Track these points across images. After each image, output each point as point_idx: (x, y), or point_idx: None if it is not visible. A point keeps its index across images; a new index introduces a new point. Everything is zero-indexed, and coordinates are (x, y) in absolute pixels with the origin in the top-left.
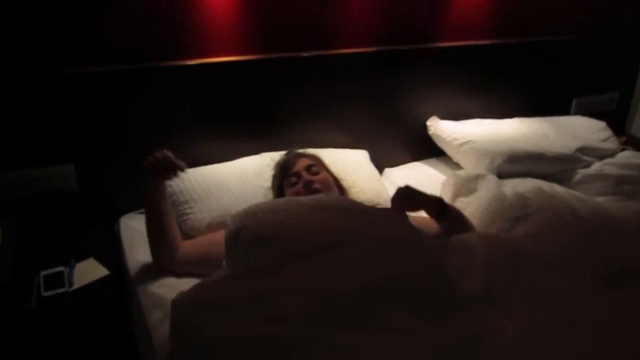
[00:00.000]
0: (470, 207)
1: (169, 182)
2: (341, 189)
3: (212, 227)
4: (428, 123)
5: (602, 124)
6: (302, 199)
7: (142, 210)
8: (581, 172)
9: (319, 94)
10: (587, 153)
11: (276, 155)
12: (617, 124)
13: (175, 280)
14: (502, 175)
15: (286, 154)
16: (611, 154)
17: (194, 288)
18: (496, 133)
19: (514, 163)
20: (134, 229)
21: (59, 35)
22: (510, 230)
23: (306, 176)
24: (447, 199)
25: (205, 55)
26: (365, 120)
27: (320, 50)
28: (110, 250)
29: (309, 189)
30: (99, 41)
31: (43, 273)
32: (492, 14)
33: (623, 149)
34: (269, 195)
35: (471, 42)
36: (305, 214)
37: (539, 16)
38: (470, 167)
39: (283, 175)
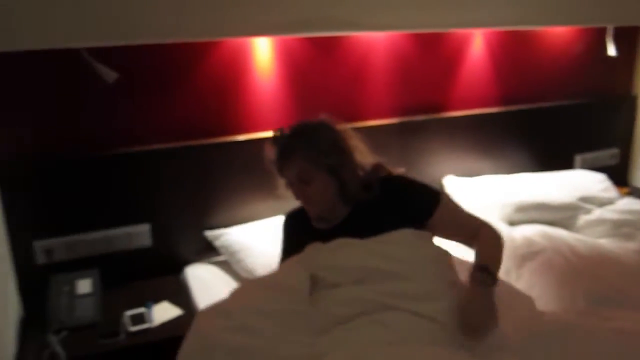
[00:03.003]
0: None
1: (225, 233)
2: (346, 189)
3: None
4: (444, 181)
5: (601, 176)
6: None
7: (203, 260)
8: (583, 218)
9: None
10: (588, 201)
11: None
12: (621, 177)
13: None
14: (512, 223)
15: (276, 142)
16: (611, 201)
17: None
18: (505, 187)
19: (522, 212)
20: (198, 277)
21: (137, 122)
22: (519, 267)
23: (296, 189)
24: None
25: (252, 131)
26: None
27: (349, 122)
28: (180, 294)
29: (305, 204)
30: (165, 122)
31: (128, 313)
32: (498, 85)
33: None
34: None
35: (480, 111)
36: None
37: (540, 85)
38: (483, 217)
39: (279, 173)
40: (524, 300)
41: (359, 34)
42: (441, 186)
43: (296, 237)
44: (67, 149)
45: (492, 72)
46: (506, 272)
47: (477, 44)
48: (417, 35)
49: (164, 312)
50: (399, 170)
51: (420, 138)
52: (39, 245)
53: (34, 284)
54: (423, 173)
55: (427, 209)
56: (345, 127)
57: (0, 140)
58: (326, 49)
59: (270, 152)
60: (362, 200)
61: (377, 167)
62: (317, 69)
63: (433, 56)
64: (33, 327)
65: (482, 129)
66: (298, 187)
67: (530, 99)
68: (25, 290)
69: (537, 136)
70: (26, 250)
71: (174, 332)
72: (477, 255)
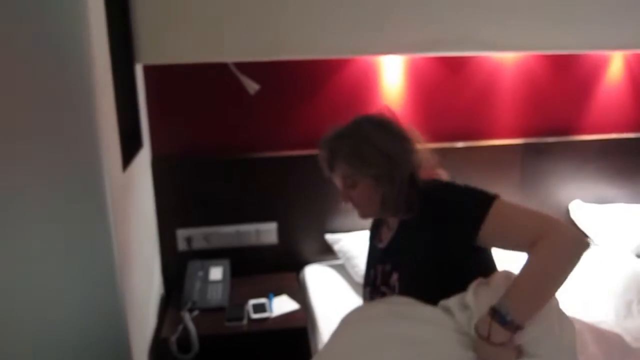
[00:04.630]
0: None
1: (343, 238)
2: (385, 204)
3: None
4: (570, 206)
5: None
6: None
7: (322, 261)
8: None
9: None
10: None
11: None
12: None
13: None
14: None
15: (323, 143)
16: None
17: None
18: (637, 216)
19: None
20: (316, 277)
21: (272, 130)
22: None
23: (342, 191)
24: None
25: None
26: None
27: (474, 140)
28: (298, 291)
29: (352, 206)
30: (297, 131)
31: (251, 302)
32: (634, 109)
33: None
34: None
35: (616, 136)
36: None
37: None
38: (609, 247)
39: (328, 174)
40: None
41: (489, 54)
42: (567, 212)
43: (369, 248)
44: (211, 151)
45: (631, 96)
46: (627, 304)
47: (615, 65)
48: (549, 56)
49: (282, 304)
50: (442, 174)
51: (546, 160)
52: (182, 233)
53: (174, 267)
54: (547, 195)
55: (473, 223)
56: (407, 129)
57: (158, 140)
58: (455, 67)
59: (321, 153)
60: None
61: (429, 182)
62: (445, 87)
63: (565, 77)
64: (170, 305)
65: (617, 154)
66: (344, 189)
67: None
68: (167, 272)
69: None
70: (170, 237)
71: (290, 323)
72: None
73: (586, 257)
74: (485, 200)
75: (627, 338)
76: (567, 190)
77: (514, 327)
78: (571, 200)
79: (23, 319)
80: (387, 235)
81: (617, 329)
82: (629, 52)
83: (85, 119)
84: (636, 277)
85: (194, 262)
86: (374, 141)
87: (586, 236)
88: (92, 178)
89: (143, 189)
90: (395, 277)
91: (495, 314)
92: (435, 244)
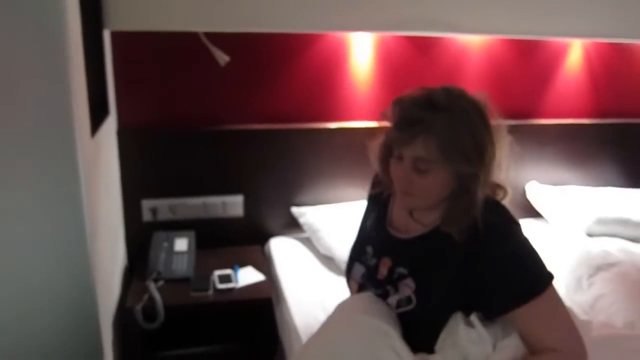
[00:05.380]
0: (556, 255)
1: (309, 211)
2: (451, 211)
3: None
4: (527, 187)
5: None
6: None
7: (288, 234)
8: None
9: None
10: None
11: None
12: None
13: (318, 287)
14: (591, 235)
15: (398, 109)
16: None
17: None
18: (589, 198)
19: (603, 225)
20: (281, 249)
21: (241, 103)
22: (592, 276)
23: (403, 170)
24: None
25: (343, 119)
26: None
27: None
28: (264, 263)
29: (401, 189)
30: (266, 104)
31: (216, 272)
32: (593, 97)
33: None
34: None
35: (572, 121)
36: None
37: (638, 100)
38: (562, 227)
39: (389, 148)
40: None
41: (456, 35)
42: (523, 192)
43: (369, 222)
44: (179, 121)
45: (589, 84)
46: (577, 279)
47: (575, 53)
48: (513, 41)
49: (248, 275)
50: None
51: None
52: (147, 204)
53: (139, 238)
54: (505, 175)
55: (506, 304)
56: (502, 127)
57: (125, 109)
58: (423, 48)
59: (394, 113)
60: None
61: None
62: (412, 67)
63: (527, 63)
64: (135, 275)
65: (572, 140)
66: (409, 170)
67: (626, 113)
68: (131, 243)
69: (629, 152)
70: (135, 208)
71: (255, 294)
72: None
73: (541, 235)
74: (535, 287)
75: (577, 310)
76: (525, 171)
77: None
78: (528, 181)
79: None
80: (412, 227)
81: (568, 302)
82: (588, 41)
83: (58, 83)
84: (586, 254)
85: (159, 233)
86: (475, 130)
87: None
88: (63, 142)
89: (109, 158)
90: (410, 286)
91: None
92: (457, 285)
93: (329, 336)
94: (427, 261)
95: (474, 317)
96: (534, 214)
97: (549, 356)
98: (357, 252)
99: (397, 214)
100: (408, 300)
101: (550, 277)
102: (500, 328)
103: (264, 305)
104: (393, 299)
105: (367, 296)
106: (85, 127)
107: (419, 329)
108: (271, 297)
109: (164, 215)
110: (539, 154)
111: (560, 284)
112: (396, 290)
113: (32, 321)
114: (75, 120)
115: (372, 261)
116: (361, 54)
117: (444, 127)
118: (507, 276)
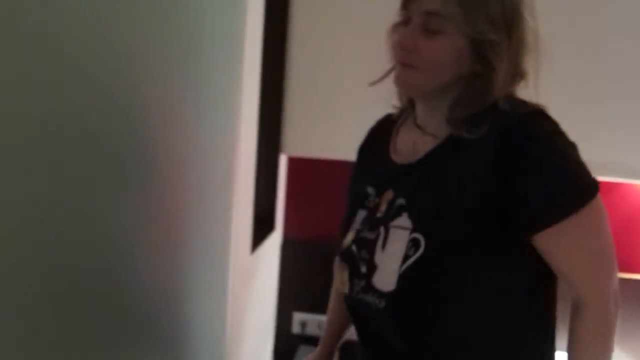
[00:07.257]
0: None
1: None
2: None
3: None
4: None
5: None
6: None
7: None
8: None
9: None
10: None
11: None
12: None
13: None
14: None
15: None
16: None
17: None
18: None
19: None
20: None
21: None
22: None
23: (410, 31)
24: None
25: None
26: None
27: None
28: None
29: (401, 58)
30: None
31: None
32: None
33: None
34: None
35: None
36: None
37: None
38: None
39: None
40: None
41: None
42: None
43: (370, 154)
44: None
45: None
46: None
47: None
48: None
49: None
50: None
51: None
52: (297, 317)
53: (286, 349)
54: None
55: (544, 215)
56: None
57: (291, 224)
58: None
59: None
60: (459, 138)
61: (518, 102)
62: None
63: None
64: None
65: None
66: (414, 30)
67: None
68: (278, 352)
69: None
70: (286, 319)
71: None
72: None
73: None
74: (581, 194)
75: None
76: None
77: None
78: None
79: None
80: (420, 148)
81: None
82: None
83: (223, 204)
84: None
85: (305, 347)
86: None
87: None
88: (219, 258)
89: (269, 269)
90: (412, 220)
91: None
92: (481, 205)
93: None
94: (438, 185)
95: None
96: None
97: (584, 318)
98: (359, 198)
99: (404, 137)
100: (414, 243)
101: (595, 185)
102: None
103: None
104: (394, 248)
105: None
106: (246, 244)
107: (439, 299)
108: None
109: (312, 330)
110: None
111: None
112: (387, 231)
113: None
114: (233, 239)
115: (375, 201)
116: None
117: None
118: (540, 178)
